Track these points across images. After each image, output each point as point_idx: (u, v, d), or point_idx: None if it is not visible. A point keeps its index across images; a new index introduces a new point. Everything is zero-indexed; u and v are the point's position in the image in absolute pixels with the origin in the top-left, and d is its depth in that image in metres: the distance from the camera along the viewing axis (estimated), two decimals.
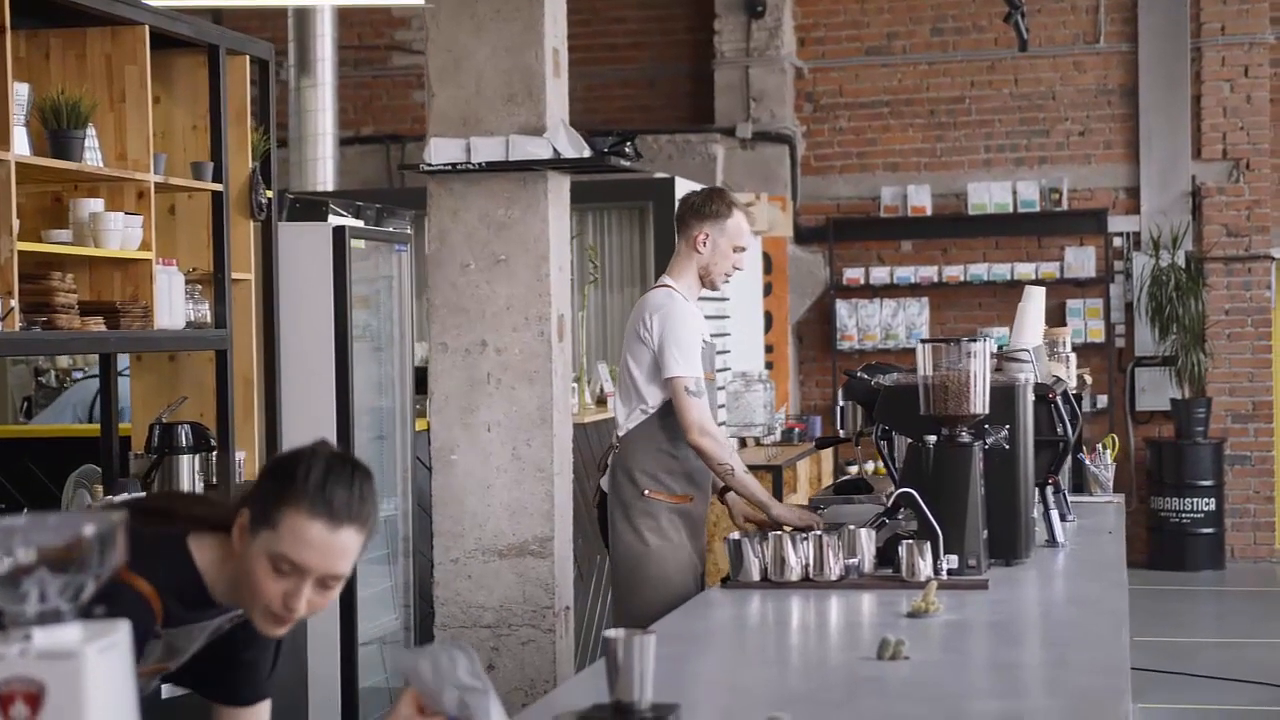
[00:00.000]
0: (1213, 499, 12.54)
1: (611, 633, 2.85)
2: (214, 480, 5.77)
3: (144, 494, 5.27)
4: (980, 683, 3.37)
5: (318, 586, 2.70)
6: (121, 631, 1.84)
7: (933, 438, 4.55)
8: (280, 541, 2.66)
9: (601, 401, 8.40)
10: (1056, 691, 3.30)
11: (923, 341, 4.61)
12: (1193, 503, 12.51)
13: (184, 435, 5.60)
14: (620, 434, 5.48)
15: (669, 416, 5.29)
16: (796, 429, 11.10)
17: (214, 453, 5.76)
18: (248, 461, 6.04)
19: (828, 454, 11.26)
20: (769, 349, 12.60)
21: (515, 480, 5.76)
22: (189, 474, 5.58)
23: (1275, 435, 12.99)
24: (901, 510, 4.55)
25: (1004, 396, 4.71)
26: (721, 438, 5.32)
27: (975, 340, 4.59)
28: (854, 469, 10.86)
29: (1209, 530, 12.56)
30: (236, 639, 2.92)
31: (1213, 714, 8.24)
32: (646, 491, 5.36)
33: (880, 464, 6.05)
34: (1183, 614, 11.18)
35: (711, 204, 5.46)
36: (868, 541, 4.48)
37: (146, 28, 5.42)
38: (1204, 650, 9.80)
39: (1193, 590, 12.01)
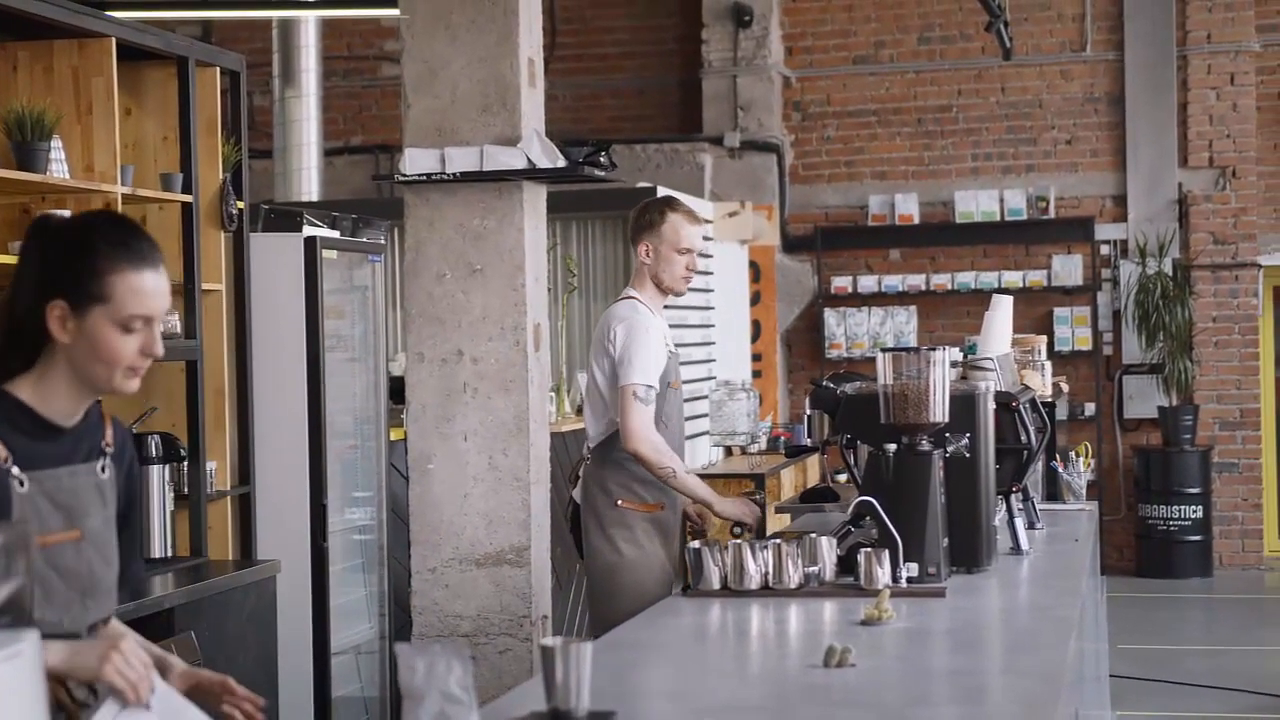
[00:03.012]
0: (1200, 506, 12.54)
1: (548, 641, 2.88)
2: (185, 491, 5.79)
3: None
4: (921, 689, 3.38)
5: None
6: (27, 641, 1.86)
7: (893, 446, 4.55)
8: (124, 305, 2.78)
9: (581, 410, 8.41)
10: (993, 698, 3.32)
11: (883, 350, 4.62)
12: (1180, 510, 12.51)
13: (154, 446, 5.60)
14: (591, 445, 5.51)
15: None
16: (783, 438, 11.09)
17: (184, 463, 5.77)
18: (219, 472, 6.05)
19: (814, 462, 11.26)
20: (757, 357, 12.62)
21: (492, 489, 5.76)
22: (159, 485, 5.58)
23: (1263, 442, 13.00)
24: (865, 518, 4.56)
25: (965, 405, 4.71)
26: (661, 443, 5.34)
27: (935, 349, 4.59)
28: (843, 478, 10.84)
29: (1196, 538, 12.55)
30: None
31: None
32: (620, 502, 5.40)
33: None
34: (1170, 621, 11.19)
35: (645, 215, 5.54)
36: (828, 550, 4.48)
37: (113, 40, 5.43)
38: (1190, 657, 9.80)
39: (1180, 598, 12.01)
